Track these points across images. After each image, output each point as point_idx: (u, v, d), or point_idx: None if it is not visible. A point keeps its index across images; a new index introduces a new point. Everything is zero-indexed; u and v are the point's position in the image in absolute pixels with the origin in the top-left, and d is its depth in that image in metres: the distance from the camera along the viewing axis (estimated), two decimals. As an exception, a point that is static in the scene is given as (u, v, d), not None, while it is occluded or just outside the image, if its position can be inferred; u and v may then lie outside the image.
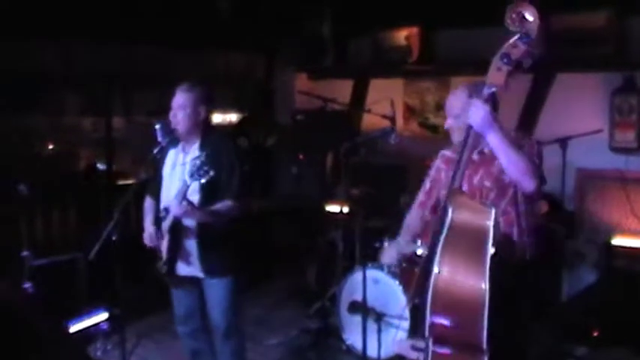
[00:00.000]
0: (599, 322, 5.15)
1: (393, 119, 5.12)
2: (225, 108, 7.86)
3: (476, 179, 3.23)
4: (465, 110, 3.02)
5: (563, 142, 5.23)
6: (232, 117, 7.94)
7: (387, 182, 6.28)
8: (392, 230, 5.44)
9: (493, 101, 2.94)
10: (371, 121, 6.55)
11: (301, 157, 6.77)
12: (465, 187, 3.18)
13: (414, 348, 2.85)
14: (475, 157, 3.21)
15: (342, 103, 6.61)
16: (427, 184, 3.56)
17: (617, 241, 5.70)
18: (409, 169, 6.56)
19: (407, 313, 4.65)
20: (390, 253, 3.49)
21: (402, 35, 7.21)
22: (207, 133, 3.91)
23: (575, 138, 5.26)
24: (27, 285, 4.98)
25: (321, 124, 6.52)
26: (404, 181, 6.45)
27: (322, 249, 6.34)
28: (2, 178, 5.49)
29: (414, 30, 7.10)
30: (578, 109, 5.99)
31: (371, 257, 4.78)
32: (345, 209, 6.36)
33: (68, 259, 5.47)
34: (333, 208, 6.77)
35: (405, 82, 7.48)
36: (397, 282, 4.86)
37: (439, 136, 7.18)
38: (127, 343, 4.15)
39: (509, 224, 3.20)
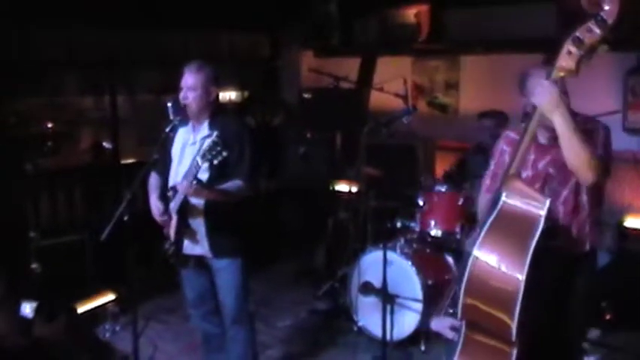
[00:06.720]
0: (611, 305, 5.09)
1: (406, 98, 5.05)
2: (228, 87, 7.75)
3: (541, 165, 3.09)
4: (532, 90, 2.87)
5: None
6: (232, 95, 7.81)
7: (396, 162, 6.17)
8: (402, 211, 5.43)
9: (563, 86, 2.77)
10: (379, 99, 6.46)
11: (309, 136, 6.65)
12: (528, 173, 3.08)
13: (453, 328, 2.81)
14: (543, 141, 3.08)
15: (354, 82, 6.48)
16: (492, 167, 3.38)
17: (630, 222, 5.63)
18: (418, 149, 6.47)
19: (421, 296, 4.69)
20: None
21: (411, 13, 7.10)
22: (217, 113, 3.86)
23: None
24: (34, 266, 4.94)
25: (329, 103, 6.41)
26: (413, 161, 6.36)
27: (331, 230, 6.26)
28: (7, 159, 5.42)
29: (424, 8, 7.00)
30: (592, 90, 5.86)
31: (383, 238, 4.69)
32: (354, 189, 6.26)
33: (75, 239, 5.40)
34: (341, 187, 6.68)
35: (413, 61, 7.38)
36: (410, 263, 4.80)
37: (448, 116, 7.12)
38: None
39: (568, 214, 3.06)
